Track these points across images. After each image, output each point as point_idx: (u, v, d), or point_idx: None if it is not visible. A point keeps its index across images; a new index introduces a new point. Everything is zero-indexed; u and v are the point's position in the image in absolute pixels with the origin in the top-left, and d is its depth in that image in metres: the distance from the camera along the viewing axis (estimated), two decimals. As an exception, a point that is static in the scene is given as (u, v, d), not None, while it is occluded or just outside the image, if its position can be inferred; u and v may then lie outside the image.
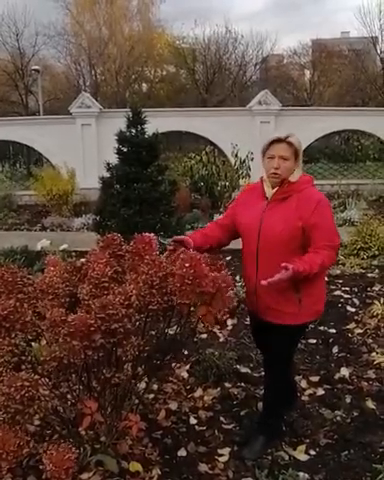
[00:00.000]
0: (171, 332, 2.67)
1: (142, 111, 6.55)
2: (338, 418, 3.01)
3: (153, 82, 30.12)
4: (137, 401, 2.77)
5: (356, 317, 4.42)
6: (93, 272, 2.36)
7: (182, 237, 2.58)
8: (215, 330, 4.14)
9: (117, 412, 2.54)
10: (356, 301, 4.81)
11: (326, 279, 5.17)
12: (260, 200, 2.54)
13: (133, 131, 6.42)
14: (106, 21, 26.98)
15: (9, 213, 10.69)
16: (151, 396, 3.22)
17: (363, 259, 6.05)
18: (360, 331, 4.13)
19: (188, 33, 30.05)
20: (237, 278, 4.85)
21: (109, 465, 2.54)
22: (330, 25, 48.95)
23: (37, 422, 2.68)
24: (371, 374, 3.49)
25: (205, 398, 3.23)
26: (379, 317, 4.27)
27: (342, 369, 3.55)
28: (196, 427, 2.96)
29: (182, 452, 2.74)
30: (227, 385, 3.38)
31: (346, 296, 4.94)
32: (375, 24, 26.04)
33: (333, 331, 4.16)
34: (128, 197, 6.20)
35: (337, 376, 3.48)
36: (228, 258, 5.55)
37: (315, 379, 3.44)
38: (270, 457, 2.69)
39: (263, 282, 2.29)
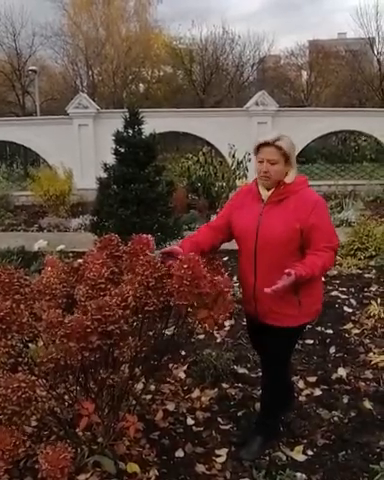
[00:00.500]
0: (168, 333, 2.67)
1: (139, 111, 6.56)
2: (335, 418, 3.01)
3: (150, 83, 30.13)
4: (134, 402, 2.76)
5: (353, 317, 4.42)
6: (90, 273, 2.35)
7: (170, 248, 2.54)
8: (212, 331, 4.14)
9: (114, 413, 2.54)
10: (353, 301, 4.82)
11: (323, 279, 5.20)
12: (256, 202, 2.50)
13: (130, 131, 6.44)
14: (103, 22, 27.00)
15: (6, 214, 10.66)
16: (148, 397, 3.21)
17: (360, 259, 6.06)
18: (357, 331, 4.14)
19: (185, 34, 30.19)
20: (234, 278, 4.86)
21: (106, 466, 2.54)
22: (327, 26, 49.23)
23: (34, 423, 2.67)
24: (368, 374, 3.49)
25: (202, 399, 3.23)
26: (376, 317, 4.27)
27: (339, 369, 3.55)
28: (193, 428, 2.96)
29: (179, 453, 2.73)
30: (224, 386, 3.38)
31: (343, 297, 4.95)
32: (372, 25, 26.17)
33: (330, 331, 4.16)
34: (125, 198, 6.21)
35: (334, 376, 3.48)
36: (225, 259, 5.55)
37: (312, 379, 3.44)
38: (268, 458, 2.69)
39: (267, 290, 2.27)
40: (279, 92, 26.74)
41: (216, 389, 3.33)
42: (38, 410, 2.17)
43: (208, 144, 12.70)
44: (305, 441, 2.82)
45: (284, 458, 2.69)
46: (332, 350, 3.87)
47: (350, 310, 4.61)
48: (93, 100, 14.43)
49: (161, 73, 30.56)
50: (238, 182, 10.90)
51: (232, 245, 2.72)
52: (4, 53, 25.52)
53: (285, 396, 2.89)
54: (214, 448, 2.77)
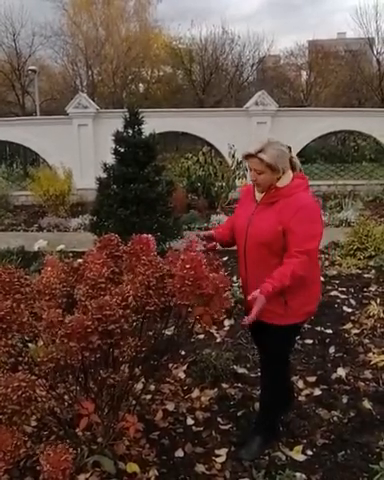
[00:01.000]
0: (168, 333, 2.67)
1: (139, 111, 6.55)
2: (335, 418, 3.02)
3: (150, 83, 30.13)
4: (134, 402, 2.77)
5: (352, 317, 4.42)
6: (90, 273, 2.36)
7: (206, 232, 2.75)
8: (212, 331, 4.15)
9: (114, 413, 2.54)
10: (352, 301, 4.82)
11: (322, 279, 5.21)
12: (251, 202, 2.60)
13: (130, 131, 6.43)
14: (103, 21, 27.01)
15: (6, 213, 10.66)
16: (148, 397, 3.22)
17: (360, 259, 6.06)
18: (357, 331, 4.14)
19: (185, 34, 30.27)
20: (234, 278, 4.86)
21: (106, 466, 2.55)
22: (327, 26, 49.19)
23: (34, 423, 2.67)
24: (368, 374, 3.49)
25: (202, 399, 3.23)
26: (375, 317, 4.28)
27: (339, 369, 3.56)
28: (193, 428, 2.97)
29: (179, 453, 2.74)
30: (224, 386, 3.38)
31: (343, 296, 4.95)
32: (372, 25, 26.21)
33: (330, 331, 4.17)
34: (125, 197, 6.20)
35: (334, 376, 3.48)
36: (225, 258, 5.55)
37: (312, 379, 3.45)
38: (267, 457, 2.70)
39: (249, 298, 2.36)
40: (279, 92, 26.73)
41: (216, 389, 3.34)
42: (38, 410, 2.18)
43: (208, 144, 12.70)
44: (304, 441, 2.83)
45: (284, 458, 2.70)
46: (331, 350, 3.87)
47: (349, 310, 4.61)
48: (93, 100, 14.42)
49: (161, 73, 30.56)
50: (238, 182, 10.91)
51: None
52: (4, 53, 25.52)
53: (284, 396, 2.90)
54: (214, 448, 2.78)
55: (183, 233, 6.35)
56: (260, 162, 2.42)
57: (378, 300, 4.55)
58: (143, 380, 2.81)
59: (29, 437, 2.70)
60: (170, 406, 3.15)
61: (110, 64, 26.49)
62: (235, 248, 2.70)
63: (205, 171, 10.53)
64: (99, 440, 2.60)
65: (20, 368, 2.22)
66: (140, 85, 30.50)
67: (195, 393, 3.30)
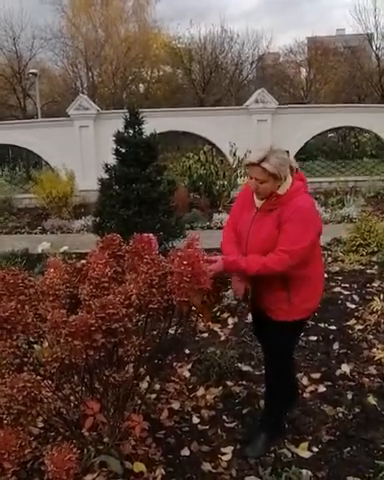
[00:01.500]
0: (172, 332, 2.68)
1: (139, 112, 6.57)
2: (340, 415, 3.02)
3: (150, 83, 30.13)
4: (139, 401, 2.78)
5: (356, 313, 4.42)
6: (93, 272, 2.37)
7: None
8: (216, 329, 4.16)
9: (120, 413, 2.55)
10: (356, 297, 4.81)
11: (325, 276, 5.21)
12: (252, 207, 2.57)
13: (131, 132, 6.45)
14: (102, 23, 27.02)
15: (9, 216, 10.71)
16: (153, 396, 3.23)
17: (362, 255, 6.05)
18: (360, 327, 4.14)
19: (184, 33, 30.04)
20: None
21: (113, 466, 2.55)
22: (326, 22, 49.17)
23: (41, 424, 2.69)
24: (372, 370, 3.49)
25: (207, 397, 3.24)
26: (379, 313, 4.27)
27: (343, 366, 3.56)
28: (199, 426, 2.97)
29: (185, 451, 2.75)
30: (229, 383, 3.39)
31: (346, 293, 4.94)
32: (370, 21, 26.11)
33: (333, 328, 4.17)
34: (127, 198, 6.22)
35: (338, 373, 3.48)
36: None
37: (316, 376, 3.45)
38: (273, 455, 2.70)
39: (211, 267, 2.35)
40: (279, 90, 26.69)
41: (221, 387, 3.34)
42: (44, 410, 2.19)
43: (209, 143, 12.70)
44: (310, 438, 2.83)
45: (289, 455, 2.70)
46: (335, 346, 3.87)
47: (353, 306, 4.60)
48: (93, 101, 14.44)
49: (160, 73, 30.55)
50: (239, 180, 10.91)
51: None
52: (4, 57, 25.57)
53: (289, 393, 2.89)
54: (219, 446, 2.79)
55: (185, 232, 6.37)
56: (263, 171, 2.38)
57: (381, 296, 4.54)
58: (148, 379, 2.82)
59: (36, 438, 2.72)
60: (175, 405, 3.16)
61: (110, 65, 26.51)
62: None
63: (206, 170, 10.53)
64: (105, 440, 2.61)
65: (25, 369, 2.24)
66: (140, 85, 30.50)
67: (200, 391, 3.31)
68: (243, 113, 13.02)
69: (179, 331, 2.68)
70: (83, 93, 19.81)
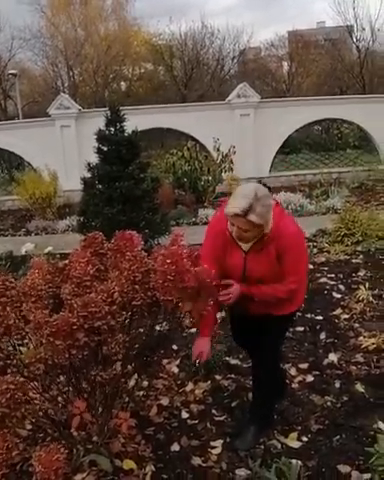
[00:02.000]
0: (159, 328, 2.68)
1: (120, 109, 6.53)
2: (328, 403, 3.03)
3: (132, 80, 30.00)
4: (128, 399, 2.76)
5: (342, 303, 4.45)
6: (75, 271, 2.35)
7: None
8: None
9: (108, 411, 2.54)
10: (342, 287, 4.84)
11: (311, 267, 5.24)
12: (237, 250, 2.46)
13: (112, 129, 6.41)
14: (81, 22, 26.84)
15: (-8, 219, 10.62)
16: (142, 393, 3.21)
17: (347, 246, 6.09)
18: (346, 316, 4.17)
19: (164, 30, 30.00)
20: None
21: (102, 464, 2.54)
22: (307, 16, 49.31)
23: (29, 426, 2.66)
24: (359, 358, 3.51)
25: (196, 392, 3.24)
26: (364, 302, 4.30)
27: (330, 355, 3.58)
28: (188, 421, 2.97)
29: (175, 447, 2.74)
30: (217, 377, 3.39)
31: (332, 283, 4.97)
32: (350, 13, 26.20)
33: (320, 318, 4.19)
34: (111, 196, 6.19)
35: (326, 362, 3.50)
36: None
37: (304, 366, 3.46)
38: (262, 446, 2.70)
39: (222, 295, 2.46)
40: (261, 84, 26.69)
41: (209, 381, 3.34)
42: (30, 412, 2.17)
43: (192, 139, 12.68)
44: (299, 428, 2.84)
45: (279, 446, 2.71)
46: (322, 336, 3.89)
47: (339, 295, 4.63)
48: (75, 101, 14.33)
49: (142, 70, 30.42)
50: (224, 175, 10.93)
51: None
52: (-17, 58, 25.30)
53: (278, 385, 2.91)
54: (209, 440, 2.78)
55: (171, 229, 6.36)
56: (248, 222, 2.25)
57: (367, 284, 4.57)
58: (136, 377, 2.81)
59: (24, 440, 2.69)
60: (164, 401, 3.15)
61: (91, 64, 26.35)
62: None
63: (191, 166, 10.53)
64: (94, 439, 2.59)
65: (9, 371, 2.22)
66: (122, 83, 30.35)
67: (189, 386, 3.30)
68: (226, 108, 13.00)
69: (166, 328, 2.68)
70: (64, 92, 19.67)
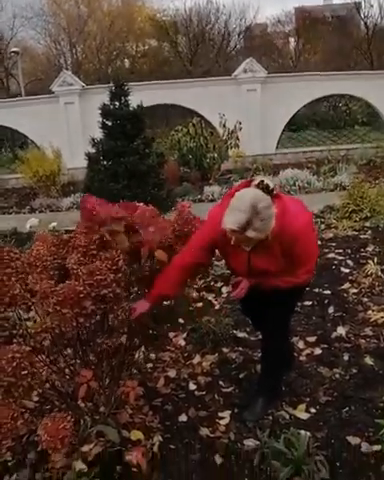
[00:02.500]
0: (166, 303, 2.65)
1: (125, 83, 6.42)
2: (337, 376, 3.01)
3: (135, 57, 29.58)
4: (135, 370, 2.75)
5: (350, 277, 4.39)
6: (80, 241, 2.32)
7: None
8: (210, 298, 4.12)
9: (115, 382, 2.52)
10: (350, 262, 4.78)
11: (319, 243, 5.18)
12: (238, 250, 2.34)
13: (116, 104, 6.31)
14: (84, -2, 26.38)
15: (-4, 197, 10.60)
16: (149, 365, 3.20)
17: (356, 221, 6.02)
18: (355, 291, 4.11)
19: (169, 5, 29.53)
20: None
21: (110, 435, 2.52)
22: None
23: (36, 398, 2.65)
24: (368, 331, 3.47)
25: (203, 364, 3.22)
26: (373, 276, 4.25)
27: (338, 328, 3.54)
28: (196, 392, 2.95)
29: (183, 417, 2.73)
30: (225, 350, 3.37)
31: (340, 258, 4.91)
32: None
33: (328, 292, 4.14)
34: (116, 172, 6.13)
35: (334, 335, 3.46)
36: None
37: (312, 339, 3.43)
38: (271, 417, 2.68)
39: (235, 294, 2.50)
40: (267, 60, 26.25)
41: (216, 354, 3.32)
42: (37, 383, 2.15)
43: (198, 115, 12.49)
44: (308, 399, 2.82)
45: (287, 417, 2.69)
46: (331, 310, 3.85)
47: (347, 270, 4.57)
48: (78, 78, 14.13)
49: (146, 47, 29.97)
50: (230, 152, 10.79)
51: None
52: (-15, 37, 24.98)
53: (286, 357, 2.89)
54: (217, 411, 2.77)
55: (177, 205, 6.29)
56: (246, 237, 2.13)
57: (375, 259, 4.51)
58: (143, 349, 2.79)
59: (31, 412, 2.69)
60: (171, 373, 3.13)
61: (94, 40, 26.00)
62: None
63: (196, 143, 10.39)
64: (101, 410, 2.58)
65: (15, 341, 2.19)
66: (125, 60, 29.91)
67: (196, 359, 3.28)
68: (232, 83, 12.78)
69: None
70: (67, 70, 19.36)
